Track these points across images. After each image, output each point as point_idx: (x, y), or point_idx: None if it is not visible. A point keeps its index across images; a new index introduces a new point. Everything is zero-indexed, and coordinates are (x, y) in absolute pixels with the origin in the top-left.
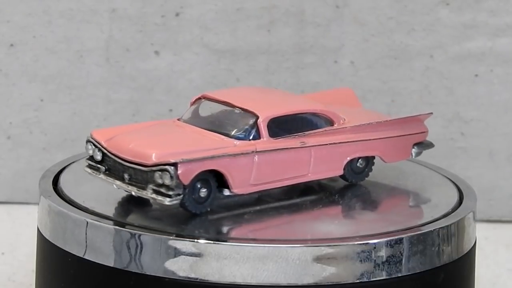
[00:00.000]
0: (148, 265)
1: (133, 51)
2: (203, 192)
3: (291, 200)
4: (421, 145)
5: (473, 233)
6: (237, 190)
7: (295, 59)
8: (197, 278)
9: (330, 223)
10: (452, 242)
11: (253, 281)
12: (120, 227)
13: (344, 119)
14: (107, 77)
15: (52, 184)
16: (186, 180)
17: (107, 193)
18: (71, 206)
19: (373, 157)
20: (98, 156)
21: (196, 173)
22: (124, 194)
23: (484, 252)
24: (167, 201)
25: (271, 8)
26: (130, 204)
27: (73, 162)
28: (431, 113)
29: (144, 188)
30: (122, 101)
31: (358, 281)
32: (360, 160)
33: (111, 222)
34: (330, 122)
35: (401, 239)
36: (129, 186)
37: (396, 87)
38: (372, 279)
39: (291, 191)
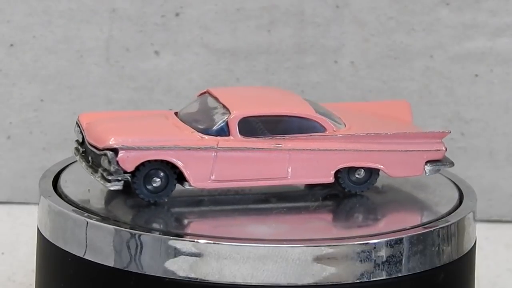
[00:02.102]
0: (148, 265)
1: (133, 51)
2: (157, 181)
3: (293, 202)
4: (436, 163)
5: (473, 233)
6: (196, 184)
7: (295, 59)
8: (197, 278)
9: (330, 223)
10: (452, 242)
11: (253, 281)
12: (120, 227)
13: (344, 127)
14: (107, 77)
15: (52, 184)
16: (128, 167)
17: (107, 193)
18: (71, 206)
19: (378, 170)
20: (79, 138)
21: (142, 161)
22: (124, 194)
23: (484, 252)
24: (107, 185)
25: (271, 8)
26: (130, 204)
27: (73, 162)
28: (449, 132)
29: (96, 171)
30: (122, 101)
31: (358, 281)
32: (360, 171)
33: (111, 222)
34: (321, 129)
35: (401, 239)
36: (89, 168)
37: (396, 87)
38: (372, 279)
39: (299, 192)
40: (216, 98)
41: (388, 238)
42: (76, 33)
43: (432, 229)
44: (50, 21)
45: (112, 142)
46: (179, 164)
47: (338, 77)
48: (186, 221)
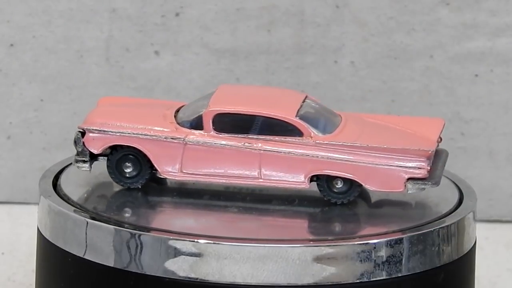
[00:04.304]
0: (148, 265)
1: (133, 51)
2: (128, 167)
3: (293, 202)
4: (418, 181)
5: (473, 233)
6: (165, 174)
7: (295, 59)
8: (197, 278)
9: (330, 223)
10: (452, 242)
11: (253, 281)
12: (120, 227)
13: (330, 134)
14: (107, 77)
15: (52, 184)
16: (94, 149)
17: (107, 193)
18: (71, 206)
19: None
20: None
21: (107, 144)
22: (124, 193)
23: (484, 252)
24: (75, 165)
25: (271, 8)
26: (130, 204)
27: None
28: (432, 151)
29: None
30: None
31: (358, 281)
32: (338, 181)
33: (111, 222)
34: (298, 133)
35: (401, 239)
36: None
37: (396, 87)
38: (372, 279)
39: (299, 193)
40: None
41: (388, 238)
42: (76, 33)
43: (432, 229)
44: (50, 21)
45: (82, 124)
46: (146, 151)
47: (338, 77)
48: (186, 221)
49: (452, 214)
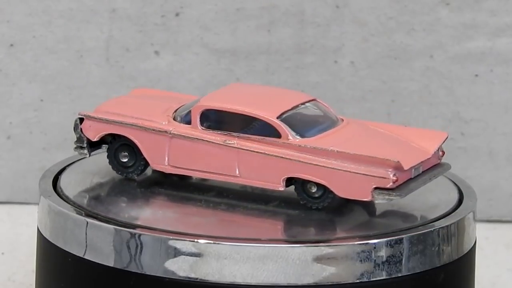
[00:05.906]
0: (148, 265)
1: (133, 51)
2: (123, 156)
3: (292, 203)
4: (383, 191)
5: (473, 233)
6: (155, 166)
7: (295, 59)
8: (197, 278)
9: (329, 223)
10: (452, 242)
11: (253, 281)
12: (120, 227)
13: (311, 137)
14: (107, 77)
15: (52, 184)
16: (91, 136)
17: (107, 193)
18: (71, 206)
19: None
20: None
21: (103, 132)
22: (124, 193)
23: (484, 252)
24: (76, 152)
25: (271, 8)
26: (130, 203)
27: (73, 162)
28: (397, 161)
29: None
30: None
31: (358, 281)
32: (311, 185)
33: (111, 222)
34: (276, 134)
35: (401, 239)
36: None
37: (396, 87)
38: (372, 279)
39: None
40: None
41: (388, 238)
42: (76, 33)
43: (432, 229)
44: (50, 21)
45: (83, 111)
46: (136, 142)
47: (338, 77)
48: (187, 221)
49: (452, 214)
